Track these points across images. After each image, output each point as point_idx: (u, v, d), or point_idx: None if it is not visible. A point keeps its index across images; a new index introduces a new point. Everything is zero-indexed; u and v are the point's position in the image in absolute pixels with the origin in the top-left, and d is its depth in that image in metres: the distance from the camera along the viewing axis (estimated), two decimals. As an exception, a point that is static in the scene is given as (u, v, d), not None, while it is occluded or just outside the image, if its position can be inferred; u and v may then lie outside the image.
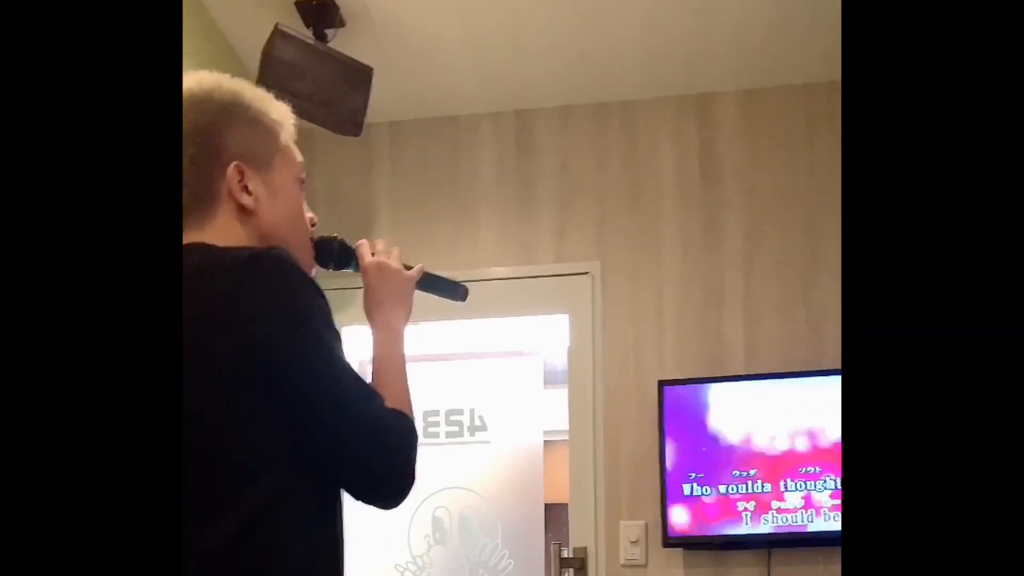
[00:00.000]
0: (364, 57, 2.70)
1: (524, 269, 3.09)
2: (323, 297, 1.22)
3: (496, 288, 3.04)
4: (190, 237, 1.27)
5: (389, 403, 1.24)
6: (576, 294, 3.03)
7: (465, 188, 3.18)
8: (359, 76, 2.66)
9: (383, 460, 1.20)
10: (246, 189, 1.29)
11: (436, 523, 3.12)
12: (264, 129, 1.33)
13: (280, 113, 1.36)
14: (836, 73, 2.91)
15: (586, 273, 3.04)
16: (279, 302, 1.17)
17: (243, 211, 1.29)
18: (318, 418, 1.17)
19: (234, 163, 1.28)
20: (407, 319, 1.41)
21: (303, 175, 1.37)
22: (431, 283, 1.50)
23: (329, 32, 2.70)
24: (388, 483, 1.22)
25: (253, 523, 1.13)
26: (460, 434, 3.18)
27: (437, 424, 3.17)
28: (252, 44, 2.71)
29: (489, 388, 3.19)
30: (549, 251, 3.10)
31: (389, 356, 1.35)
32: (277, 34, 2.55)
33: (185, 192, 1.27)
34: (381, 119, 3.13)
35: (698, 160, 3.05)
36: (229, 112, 1.30)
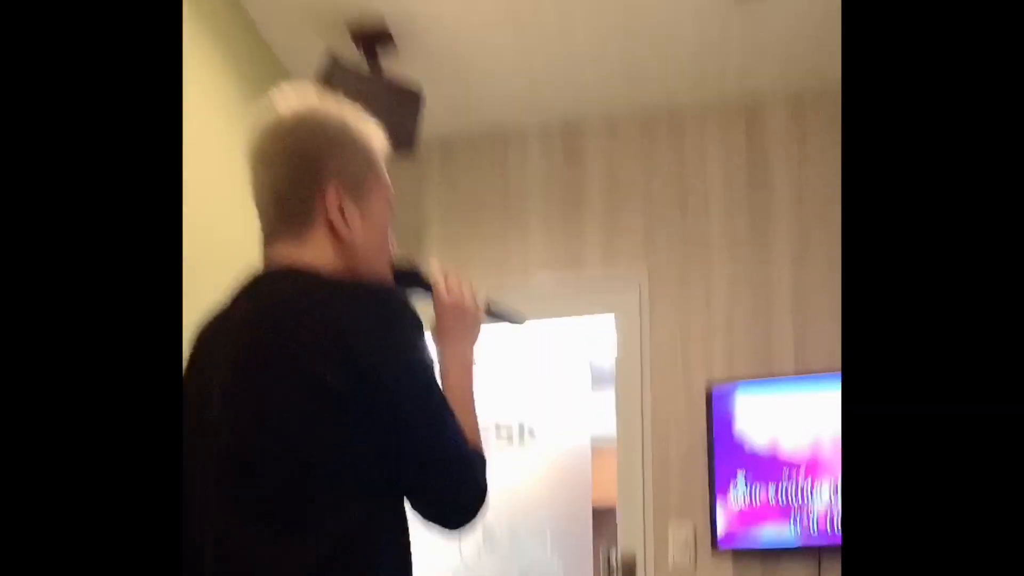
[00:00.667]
0: (414, 73, 2.74)
1: (572, 278, 3.11)
2: (425, 337, 1.27)
3: (544, 294, 3.05)
4: (284, 254, 1.30)
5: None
6: (624, 299, 3.05)
7: (514, 200, 3.23)
8: (410, 99, 2.71)
9: (465, 492, 1.26)
10: (342, 213, 1.31)
11: (487, 531, 3.15)
12: (362, 153, 1.34)
13: (375, 135, 1.37)
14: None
15: (634, 281, 3.05)
16: (398, 342, 1.21)
17: (336, 235, 1.31)
18: (419, 452, 1.22)
19: (334, 186, 1.30)
20: (475, 349, 1.47)
21: (391, 197, 1.40)
22: (494, 313, 1.56)
23: (379, 49, 2.75)
24: (464, 512, 1.27)
25: (346, 544, 1.17)
26: (509, 441, 3.20)
27: (486, 431, 3.19)
28: (303, 64, 2.77)
29: (537, 393, 3.21)
30: (597, 260, 3.12)
31: (462, 390, 1.40)
32: (330, 62, 2.61)
33: (282, 208, 1.30)
34: (432, 133, 3.18)
35: (746, 165, 3.06)
36: (335, 138, 1.32)
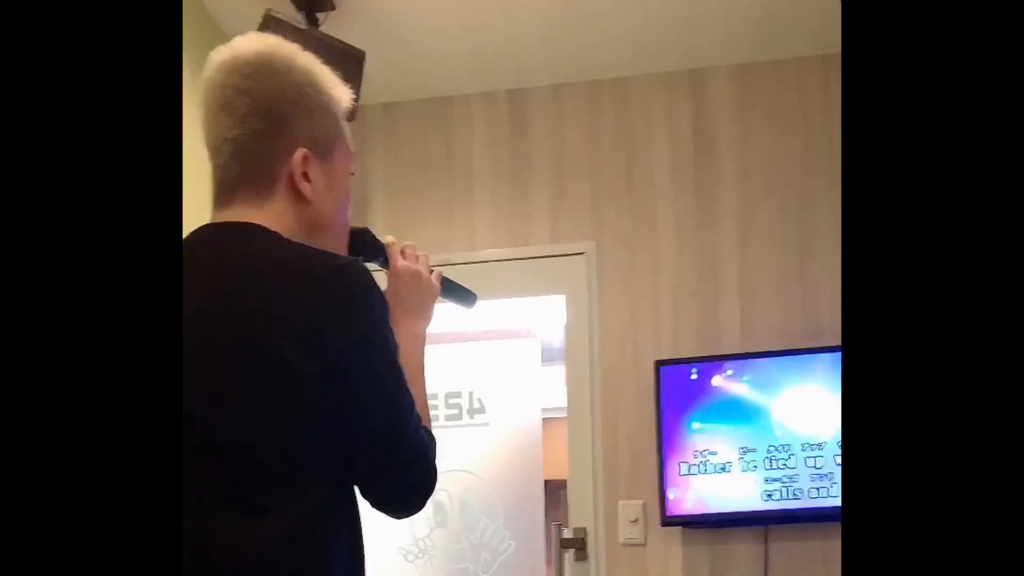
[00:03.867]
0: (356, 39, 2.71)
1: (520, 251, 3.15)
2: (389, 315, 1.26)
3: (492, 270, 3.07)
4: (243, 214, 1.26)
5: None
6: (572, 275, 3.08)
7: (460, 169, 3.22)
8: (351, 61, 2.66)
9: (419, 481, 1.26)
10: (306, 177, 1.28)
11: (437, 506, 3.16)
12: (331, 115, 1.32)
13: (343, 96, 1.34)
14: (828, 47, 2.93)
15: (581, 253, 3.08)
16: (362, 320, 1.20)
17: (300, 198, 1.28)
18: (377, 436, 1.21)
19: (302, 150, 1.27)
20: (428, 326, 1.46)
21: (353, 167, 1.38)
22: (447, 289, 1.55)
23: (320, 16, 2.71)
24: (417, 500, 1.28)
25: (305, 524, 1.16)
26: (459, 417, 3.21)
27: (436, 407, 3.19)
28: (243, 29, 2.69)
29: (487, 370, 3.24)
30: (544, 232, 3.14)
31: (414, 366, 1.37)
32: (268, 20, 2.56)
33: (241, 163, 1.25)
34: (374, 101, 3.15)
35: (692, 136, 3.08)
36: (303, 93, 1.28)
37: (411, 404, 1.25)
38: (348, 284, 1.19)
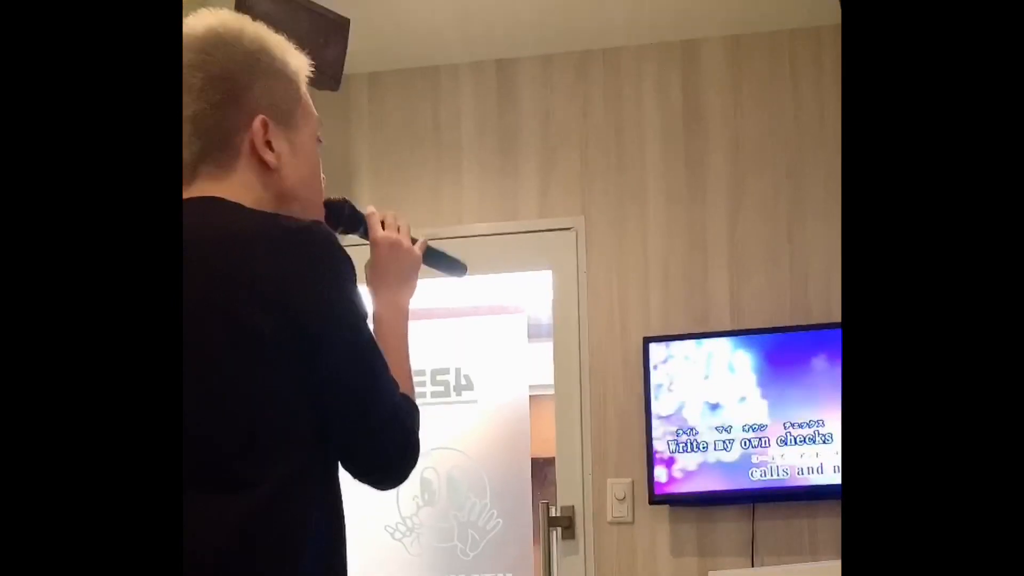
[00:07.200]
0: (340, 6, 2.66)
1: (507, 225, 3.17)
2: (356, 279, 1.26)
3: (479, 245, 3.07)
4: (207, 188, 1.26)
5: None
6: (560, 250, 3.11)
7: (447, 141, 3.22)
8: (335, 28, 2.65)
9: (397, 447, 1.26)
10: (269, 145, 1.28)
11: (425, 484, 3.18)
12: (287, 81, 1.31)
13: (299, 63, 1.34)
14: (821, 19, 2.93)
15: (570, 228, 3.09)
16: (327, 284, 1.20)
17: (264, 168, 1.28)
18: (350, 401, 1.21)
19: (260, 117, 1.27)
20: (412, 296, 1.46)
21: (319, 132, 1.38)
22: (433, 258, 1.56)
23: (302, -18, 2.65)
24: (397, 467, 1.28)
25: (280, 495, 1.16)
26: (447, 394, 3.23)
27: (423, 384, 3.20)
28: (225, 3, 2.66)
29: (474, 346, 3.26)
30: (532, 206, 3.16)
31: (395, 336, 1.39)
32: (248, -13, 2.50)
33: (201, 138, 1.26)
34: (359, 70, 3.14)
35: (682, 109, 3.08)
36: (256, 60, 1.28)
37: (384, 369, 1.25)
38: (306, 248, 1.19)
